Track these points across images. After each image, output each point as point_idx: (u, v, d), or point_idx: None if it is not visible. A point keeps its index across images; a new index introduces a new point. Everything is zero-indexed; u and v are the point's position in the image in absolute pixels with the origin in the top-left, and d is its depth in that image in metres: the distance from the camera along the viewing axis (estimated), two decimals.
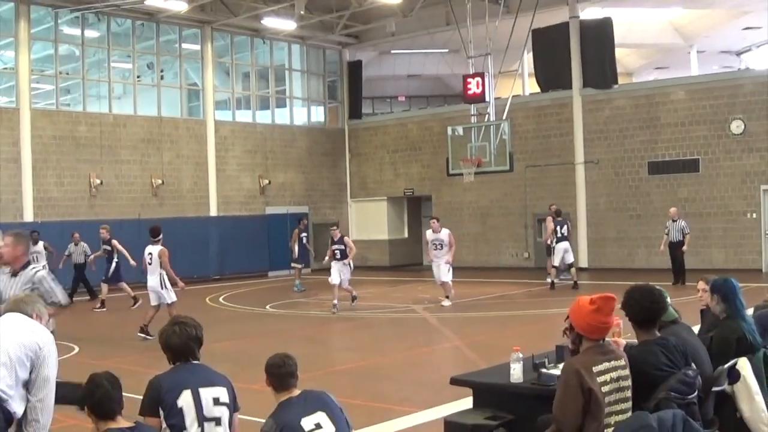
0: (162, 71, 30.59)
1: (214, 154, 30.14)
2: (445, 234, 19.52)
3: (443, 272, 19.37)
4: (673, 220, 21.72)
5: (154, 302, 15.40)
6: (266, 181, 31.50)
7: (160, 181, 28.26)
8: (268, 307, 20.20)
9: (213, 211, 29.99)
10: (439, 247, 19.49)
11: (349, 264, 19.06)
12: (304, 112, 34.53)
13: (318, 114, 35.20)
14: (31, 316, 5.18)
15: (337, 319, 17.84)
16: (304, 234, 24.80)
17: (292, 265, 24.48)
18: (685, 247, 21.44)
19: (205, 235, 29.32)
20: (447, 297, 19.53)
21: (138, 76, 29.60)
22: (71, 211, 26.20)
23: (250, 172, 31.32)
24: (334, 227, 19.96)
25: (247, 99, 32.76)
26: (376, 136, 34.44)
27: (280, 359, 4.80)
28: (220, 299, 22.57)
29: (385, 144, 34.09)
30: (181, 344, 4.74)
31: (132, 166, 27.91)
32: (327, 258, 19.61)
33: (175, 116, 29.67)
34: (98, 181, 26.78)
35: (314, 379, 10.79)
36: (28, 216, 25.44)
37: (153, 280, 15.41)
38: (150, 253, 15.55)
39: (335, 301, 18.32)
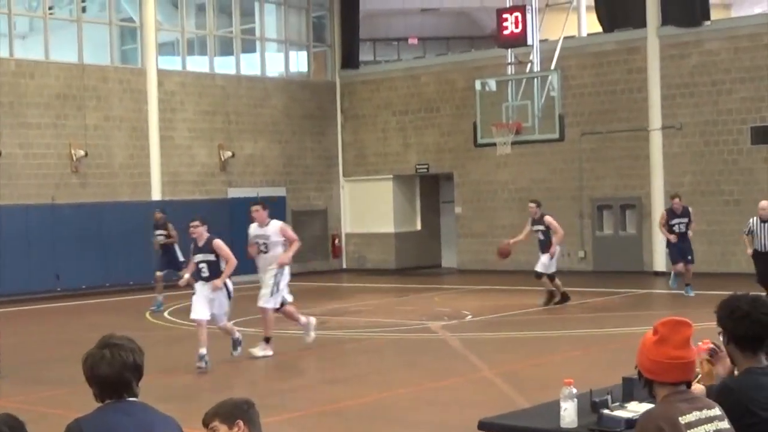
0: (84, 2, 30.53)
1: (157, 115, 30.12)
2: (274, 228, 16.40)
3: (264, 290, 16.30)
4: (762, 221, 20.05)
5: None
6: (229, 154, 31.50)
7: (82, 153, 28.24)
8: (230, 324, 20.21)
9: (156, 194, 30.00)
10: (263, 249, 16.30)
11: (227, 288, 15.35)
12: (280, 60, 34.47)
13: (299, 62, 35.10)
14: None
15: (325, 342, 17.85)
16: (159, 233, 23.75)
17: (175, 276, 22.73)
18: None
19: (145, 226, 29.23)
20: (265, 341, 16.14)
21: (50, 8, 29.54)
22: None
23: (207, 141, 31.33)
24: (196, 223, 15.70)
25: (202, 41, 32.69)
26: (378, 93, 34.40)
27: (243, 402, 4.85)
28: (166, 314, 22.59)
29: (391, 103, 34.06)
30: (114, 375, 4.71)
31: (43, 132, 27.87)
32: (184, 276, 16.37)
33: (102, 63, 29.62)
34: None
35: (292, 423, 10.82)
36: None
37: None
38: None
39: (202, 351, 14.88)
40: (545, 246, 21.46)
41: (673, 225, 22.45)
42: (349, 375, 15.03)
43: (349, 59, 34.98)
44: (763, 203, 20.32)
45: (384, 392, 13.23)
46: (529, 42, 24.30)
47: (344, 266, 34.79)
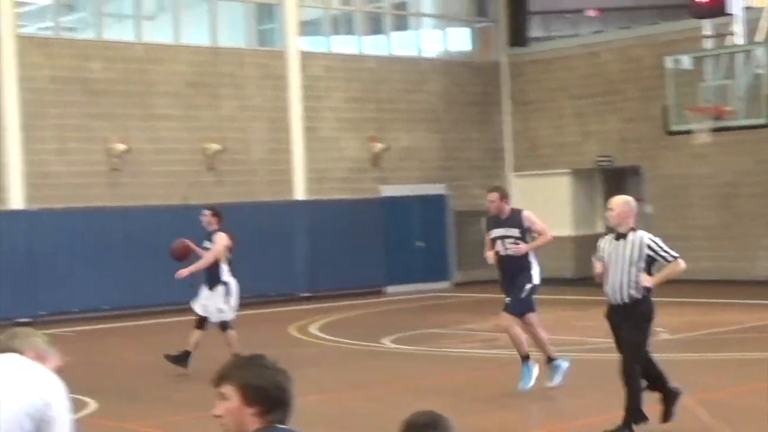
0: None
1: (300, 104, 30.38)
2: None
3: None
4: (617, 236, 11.85)
5: None
6: (381, 146, 31.58)
7: (216, 147, 28.59)
8: (386, 341, 20.30)
9: (299, 194, 30.28)
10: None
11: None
12: (438, 38, 34.49)
13: (461, 40, 35.06)
14: (26, 356, 5.24)
15: (507, 358, 17.75)
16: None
17: None
18: None
19: (287, 231, 29.56)
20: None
21: None
22: (80, 195, 26.68)
23: (356, 133, 31.49)
24: None
25: (349, 18, 32.91)
26: (551, 74, 34.17)
27: (428, 419, 4.65)
28: (311, 329, 22.82)
29: (567, 85, 33.80)
30: (278, 390, 4.53)
31: (170, 124, 28.36)
32: None
33: (237, 46, 30.05)
34: (122, 147, 27.26)
35: None
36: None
37: None
38: None
39: None
40: (215, 277, 17.56)
41: (495, 241, 14.88)
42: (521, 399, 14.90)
43: (517, 36, 34.88)
44: (616, 200, 11.97)
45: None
46: (730, 10, 23.94)
47: None
